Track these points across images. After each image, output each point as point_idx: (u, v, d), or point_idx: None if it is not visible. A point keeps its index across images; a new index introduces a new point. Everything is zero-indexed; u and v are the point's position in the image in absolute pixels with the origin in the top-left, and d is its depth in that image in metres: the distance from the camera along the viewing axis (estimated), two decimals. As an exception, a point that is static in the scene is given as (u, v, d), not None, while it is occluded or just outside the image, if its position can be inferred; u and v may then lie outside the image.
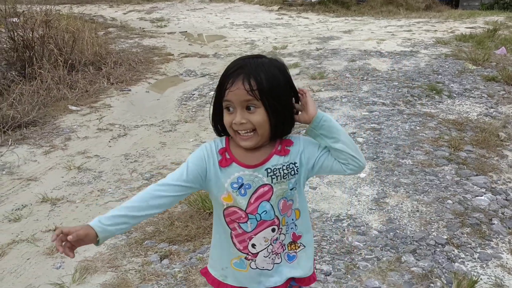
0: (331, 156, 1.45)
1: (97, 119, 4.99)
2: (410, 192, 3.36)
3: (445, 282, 2.44)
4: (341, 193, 3.37)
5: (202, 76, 6.68)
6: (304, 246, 1.56)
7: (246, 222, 1.45)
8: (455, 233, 2.87)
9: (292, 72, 6.67)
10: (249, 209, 1.44)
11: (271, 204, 1.44)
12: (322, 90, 5.84)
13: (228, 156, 1.43)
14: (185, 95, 5.75)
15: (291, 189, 1.46)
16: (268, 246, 1.48)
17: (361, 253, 2.69)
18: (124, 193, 3.45)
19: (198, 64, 7.38)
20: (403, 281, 2.46)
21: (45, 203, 3.33)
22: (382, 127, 4.56)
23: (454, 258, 2.65)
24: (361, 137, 4.32)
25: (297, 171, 1.45)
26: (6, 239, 2.94)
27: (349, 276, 2.49)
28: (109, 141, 4.44)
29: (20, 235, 2.98)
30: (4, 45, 6.32)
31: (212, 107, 1.44)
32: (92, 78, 6.30)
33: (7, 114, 4.66)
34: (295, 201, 1.50)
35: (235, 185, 1.42)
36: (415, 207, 3.17)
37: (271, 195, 1.44)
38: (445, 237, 2.83)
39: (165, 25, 10.91)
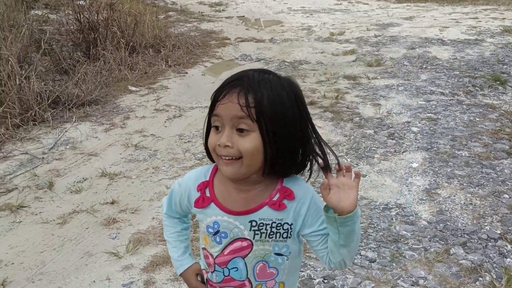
0: (325, 242, 1.14)
1: (155, 99, 5.17)
2: (464, 184, 3.26)
3: (494, 276, 2.37)
4: (391, 182, 3.33)
5: (257, 61, 6.72)
6: None
7: (212, 272, 1.21)
8: (509, 228, 2.77)
9: (348, 58, 6.59)
10: (218, 260, 1.19)
11: (245, 263, 1.17)
12: (378, 77, 5.72)
13: (207, 195, 1.16)
14: (240, 79, 5.81)
15: (276, 254, 1.16)
16: None
17: (408, 243, 2.66)
18: (177, 172, 3.58)
19: (254, 49, 7.42)
20: (450, 273, 2.41)
21: (104, 178, 3.52)
22: (439, 117, 4.42)
23: (506, 253, 2.56)
24: (415, 127, 4.22)
25: (290, 234, 1.15)
26: (68, 209, 3.14)
27: (394, 264, 2.48)
28: (165, 122, 4.59)
29: (80, 206, 3.17)
30: (71, 27, 6.64)
31: (205, 127, 1.16)
32: (151, 60, 6.50)
33: (72, 92, 4.91)
34: (281, 272, 1.19)
35: (210, 230, 1.17)
36: (468, 199, 3.08)
37: (248, 253, 1.16)
38: (499, 231, 2.74)
39: (223, 10, 11.00)
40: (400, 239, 2.69)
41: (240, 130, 1.04)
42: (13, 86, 4.50)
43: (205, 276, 1.28)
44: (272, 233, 1.13)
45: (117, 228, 2.91)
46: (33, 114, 4.49)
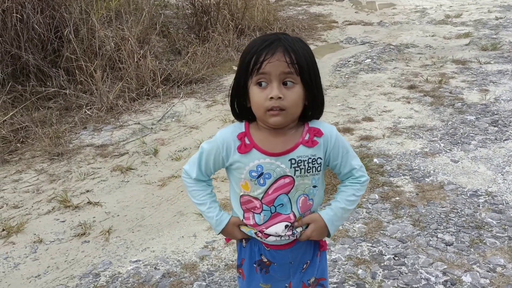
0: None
1: (256, 80, 5.39)
2: None
3: None
4: (485, 170, 3.17)
5: (361, 44, 6.64)
6: None
7: (259, 213, 1.34)
8: None
9: (461, 42, 6.24)
10: (265, 200, 1.32)
11: (289, 198, 1.32)
12: (491, 62, 5.35)
13: (247, 142, 1.30)
14: (341, 62, 5.81)
15: (314, 187, 1.34)
16: (277, 239, 1.38)
17: (492, 230, 2.55)
18: (268, 147, 3.76)
19: (361, 32, 7.31)
20: (534, 264, 2.29)
21: (201, 148, 3.82)
22: (554, 105, 4.05)
23: None
24: (524, 115, 3.93)
25: (321, 167, 1.33)
26: (167, 173, 3.49)
27: (472, 250, 2.41)
28: (263, 100, 4.79)
29: (178, 172, 3.50)
30: (187, 11, 7.14)
31: (232, 88, 1.31)
32: (257, 42, 6.74)
33: (182, 70, 5.34)
34: (315, 203, 1.38)
35: (253, 174, 1.30)
36: None
37: (291, 189, 1.31)
38: None
39: (335, -7, 10.91)
40: (483, 226, 2.59)
41: (285, 84, 1.21)
42: (131, 63, 5.02)
43: (245, 230, 1.40)
44: (309, 168, 1.30)
45: (207, 193, 3.17)
46: (147, 89, 4.98)
